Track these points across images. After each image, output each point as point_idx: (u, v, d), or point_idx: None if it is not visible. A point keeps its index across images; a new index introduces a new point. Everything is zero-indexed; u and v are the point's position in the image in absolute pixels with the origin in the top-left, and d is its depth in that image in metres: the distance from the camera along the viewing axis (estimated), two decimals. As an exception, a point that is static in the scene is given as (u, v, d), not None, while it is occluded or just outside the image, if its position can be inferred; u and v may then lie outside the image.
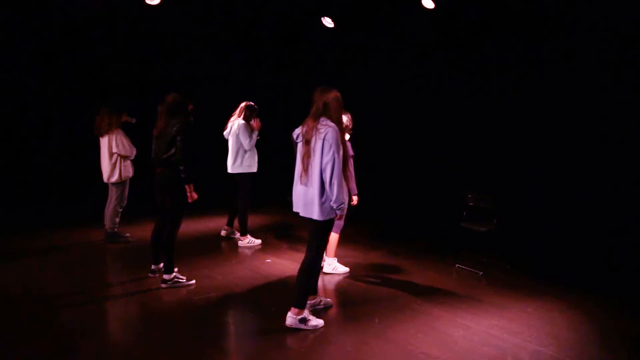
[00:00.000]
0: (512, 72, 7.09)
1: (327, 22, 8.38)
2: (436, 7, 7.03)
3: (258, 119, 6.08)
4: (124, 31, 8.63)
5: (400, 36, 8.43)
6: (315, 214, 3.63)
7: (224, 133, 6.16)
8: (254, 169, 6.09)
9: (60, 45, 8.20)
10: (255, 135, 6.01)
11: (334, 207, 3.62)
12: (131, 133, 6.31)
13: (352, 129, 5.04)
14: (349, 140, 5.01)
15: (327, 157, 3.55)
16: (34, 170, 8.19)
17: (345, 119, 4.89)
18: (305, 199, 3.69)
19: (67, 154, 8.36)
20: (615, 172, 6.09)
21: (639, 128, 5.90)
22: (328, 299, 4.28)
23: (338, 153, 3.56)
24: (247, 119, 6.02)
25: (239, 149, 5.99)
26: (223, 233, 6.53)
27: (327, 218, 3.66)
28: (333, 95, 3.69)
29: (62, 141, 8.35)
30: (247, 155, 6.00)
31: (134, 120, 6.19)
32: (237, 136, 5.95)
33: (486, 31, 7.26)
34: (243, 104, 6.10)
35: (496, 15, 7.07)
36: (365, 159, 8.47)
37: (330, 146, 3.54)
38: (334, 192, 3.57)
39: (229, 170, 6.11)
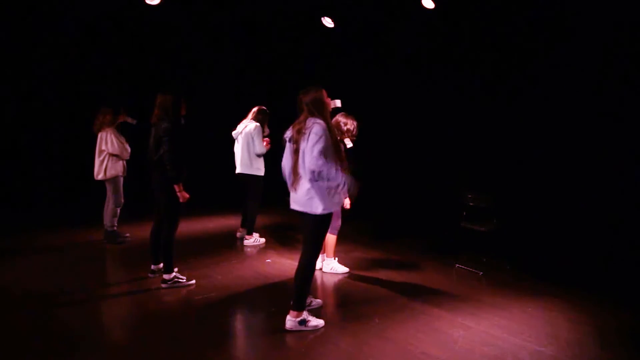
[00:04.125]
0: (512, 72, 7.10)
1: (327, 22, 8.38)
2: (436, 7, 7.04)
3: (269, 140, 6.08)
4: (124, 31, 8.63)
5: (400, 36, 8.43)
6: (313, 208, 3.60)
7: (233, 133, 6.20)
8: (262, 173, 6.12)
9: (60, 45, 8.20)
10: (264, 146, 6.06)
11: (339, 190, 3.59)
12: (131, 134, 6.31)
13: (355, 135, 4.95)
14: (350, 148, 4.97)
15: (311, 142, 3.49)
16: (34, 170, 8.20)
17: (349, 123, 4.88)
18: (302, 198, 3.65)
19: (67, 153, 8.36)
20: (615, 171, 6.10)
21: (638, 127, 5.90)
22: (318, 300, 4.26)
23: (325, 142, 3.50)
24: (260, 122, 6.06)
25: (250, 150, 6.02)
26: (238, 235, 6.45)
27: (326, 212, 3.62)
28: (316, 95, 3.66)
29: (62, 140, 8.35)
30: (256, 158, 6.03)
31: (134, 122, 6.18)
32: (251, 138, 5.99)
33: (486, 31, 7.27)
34: (255, 108, 6.13)
35: (496, 16, 7.07)
36: (365, 159, 8.48)
37: (316, 134, 3.51)
38: (331, 175, 3.50)
39: (238, 170, 6.14)
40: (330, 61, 9.60)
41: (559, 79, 6.60)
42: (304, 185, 3.62)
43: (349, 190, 3.63)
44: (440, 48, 7.96)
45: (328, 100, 3.76)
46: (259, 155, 6.04)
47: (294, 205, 3.76)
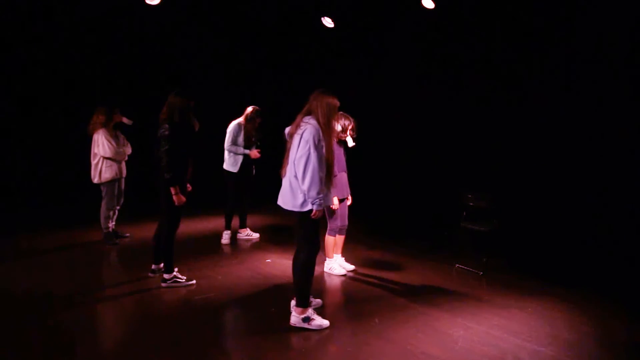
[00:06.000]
0: (512, 72, 7.09)
1: (327, 22, 8.38)
2: (436, 7, 7.03)
3: (259, 151, 6.07)
4: (123, 31, 8.63)
5: (400, 36, 8.43)
6: (292, 205, 3.67)
7: None
8: (235, 170, 6.06)
9: (59, 44, 8.19)
10: (242, 150, 6.00)
11: (310, 202, 3.61)
12: (131, 134, 6.29)
13: (351, 129, 4.88)
14: (352, 147, 4.95)
15: (300, 152, 3.56)
16: (34, 170, 8.19)
17: (347, 123, 4.85)
18: (285, 192, 3.74)
19: (67, 153, 8.36)
20: (616, 171, 6.09)
21: (638, 128, 5.90)
22: (318, 299, 4.26)
23: (314, 150, 3.53)
24: (248, 119, 6.05)
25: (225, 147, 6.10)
26: (239, 236, 6.46)
27: (305, 209, 3.65)
28: (327, 100, 3.69)
29: (62, 141, 8.34)
30: (231, 154, 6.03)
31: (130, 122, 6.11)
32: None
33: (486, 31, 7.26)
34: (250, 109, 6.10)
35: (496, 16, 7.07)
36: (366, 159, 8.48)
37: (306, 142, 3.55)
38: (305, 187, 3.57)
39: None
40: (330, 61, 9.60)
41: (559, 79, 6.59)
42: (289, 180, 3.69)
43: (315, 203, 3.60)
44: (440, 48, 7.96)
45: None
46: (225, 150, 6.04)
47: (279, 200, 3.83)
